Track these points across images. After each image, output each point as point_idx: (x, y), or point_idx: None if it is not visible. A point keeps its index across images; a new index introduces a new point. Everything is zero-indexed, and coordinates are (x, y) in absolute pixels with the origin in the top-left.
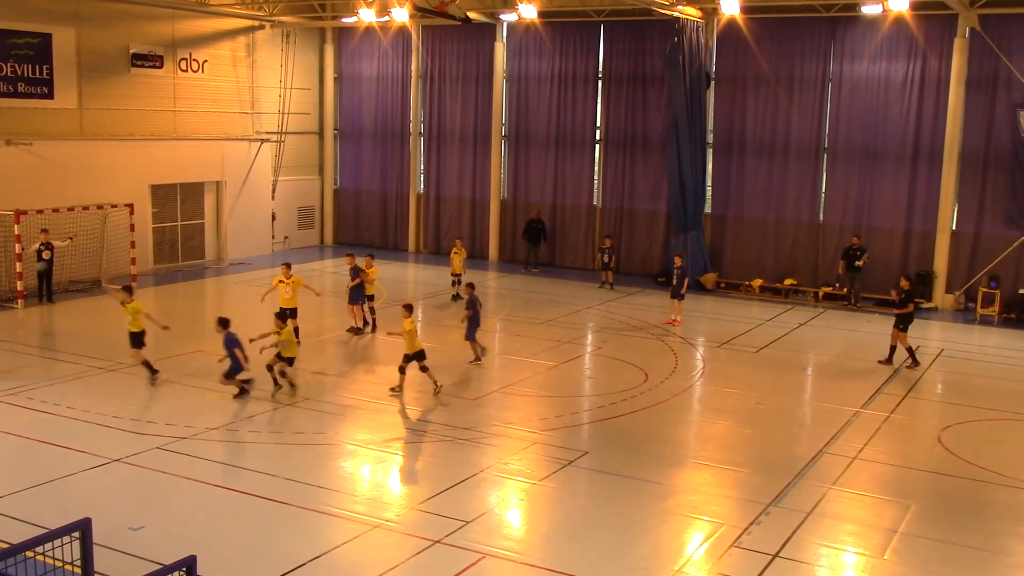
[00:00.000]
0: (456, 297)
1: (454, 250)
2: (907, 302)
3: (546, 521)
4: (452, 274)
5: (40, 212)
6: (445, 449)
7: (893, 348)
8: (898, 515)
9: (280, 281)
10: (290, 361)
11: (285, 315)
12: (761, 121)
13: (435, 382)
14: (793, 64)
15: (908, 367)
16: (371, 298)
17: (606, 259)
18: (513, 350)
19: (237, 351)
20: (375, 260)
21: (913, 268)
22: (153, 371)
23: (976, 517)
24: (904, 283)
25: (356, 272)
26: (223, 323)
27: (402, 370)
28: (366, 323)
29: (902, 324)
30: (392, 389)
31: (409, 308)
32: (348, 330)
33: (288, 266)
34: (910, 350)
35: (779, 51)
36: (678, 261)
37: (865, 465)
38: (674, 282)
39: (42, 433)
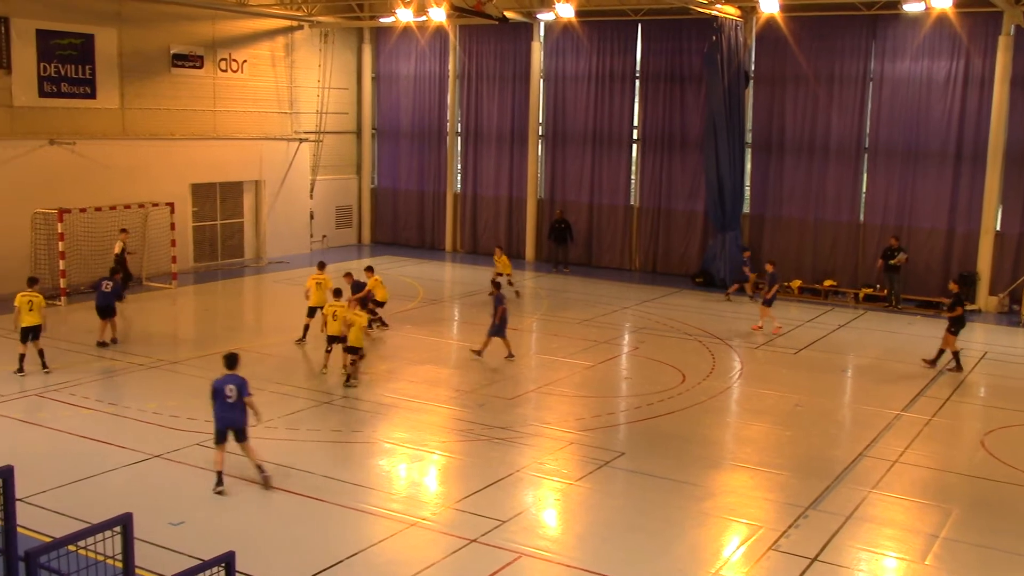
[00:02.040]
0: (517, 293)
1: (495, 256)
2: (955, 305)
3: (582, 521)
4: (499, 274)
5: (83, 211)
6: (481, 448)
7: (941, 352)
8: (940, 520)
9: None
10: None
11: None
12: (800, 120)
13: (349, 376)
14: (833, 63)
15: (950, 370)
16: (380, 304)
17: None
18: (550, 350)
19: None
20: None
21: (956, 269)
22: (21, 368)
23: (1020, 523)
24: (952, 286)
25: (358, 287)
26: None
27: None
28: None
29: (953, 328)
30: (338, 370)
31: (337, 293)
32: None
33: (321, 265)
34: (956, 354)
35: (819, 49)
36: (769, 268)
37: (906, 469)
38: (763, 287)
39: (84, 429)
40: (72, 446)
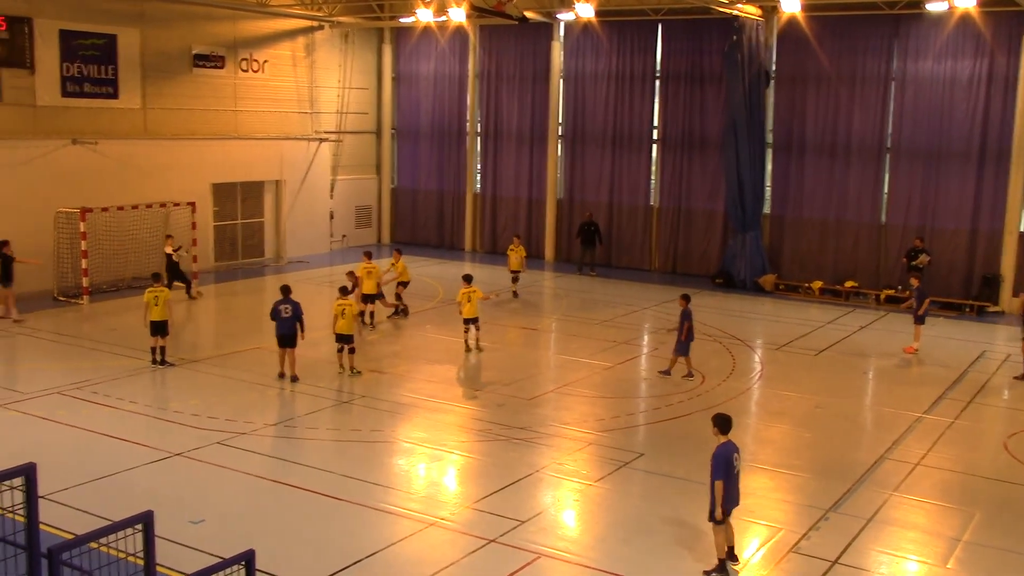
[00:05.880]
0: (516, 295)
1: (511, 247)
2: None
3: (601, 522)
4: (510, 271)
5: (105, 210)
6: (500, 448)
7: None
8: (962, 523)
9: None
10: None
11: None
12: (821, 120)
13: (352, 366)
14: (855, 62)
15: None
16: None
17: None
18: (569, 350)
19: None
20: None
21: (979, 270)
22: (155, 359)
23: None
24: None
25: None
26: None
27: (341, 350)
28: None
29: None
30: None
31: (343, 290)
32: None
33: (368, 254)
34: None
35: (840, 49)
36: (915, 282)
37: (928, 471)
38: (913, 305)
39: (106, 427)
40: (94, 444)
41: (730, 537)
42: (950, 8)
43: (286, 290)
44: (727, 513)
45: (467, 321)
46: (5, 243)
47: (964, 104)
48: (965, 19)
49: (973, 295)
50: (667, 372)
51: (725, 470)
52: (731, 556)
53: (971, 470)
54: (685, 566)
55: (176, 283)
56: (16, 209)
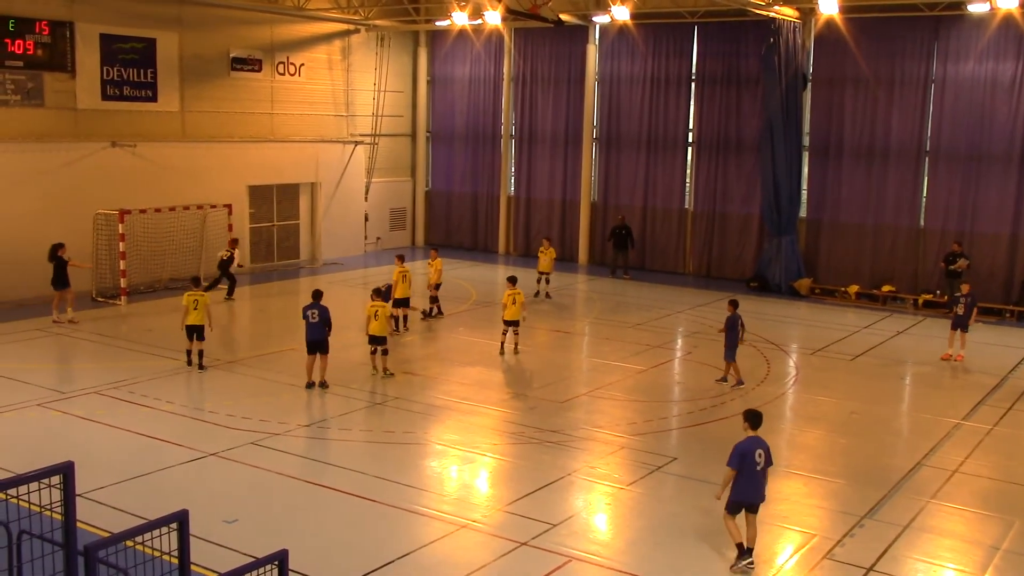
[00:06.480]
0: (541, 295)
1: (541, 249)
2: None
3: (633, 526)
4: (539, 272)
5: (143, 212)
6: (532, 451)
7: None
8: (1001, 532)
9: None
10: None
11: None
12: (859, 123)
13: (385, 368)
14: (894, 65)
15: None
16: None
17: None
18: (601, 353)
19: None
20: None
21: (1019, 275)
22: (189, 361)
23: None
24: None
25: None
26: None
27: (375, 351)
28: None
29: None
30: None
31: (377, 292)
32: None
33: (401, 258)
34: None
35: (879, 51)
36: (966, 289)
37: (966, 479)
38: (960, 312)
39: (142, 427)
40: (130, 443)
41: (751, 537)
42: (992, 9)
43: (317, 294)
44: (739, 505)
45: (508, 323)
46: (60, 246)
47: (1006, 107)
48: (1007, 20)
49: (1013, 300)
50: (739, 382)
51: (739, 461)
52: (742, 553)
53: (1010, 478)
54: (718, 572)
55: (222, 283)
56: (56, 211)
